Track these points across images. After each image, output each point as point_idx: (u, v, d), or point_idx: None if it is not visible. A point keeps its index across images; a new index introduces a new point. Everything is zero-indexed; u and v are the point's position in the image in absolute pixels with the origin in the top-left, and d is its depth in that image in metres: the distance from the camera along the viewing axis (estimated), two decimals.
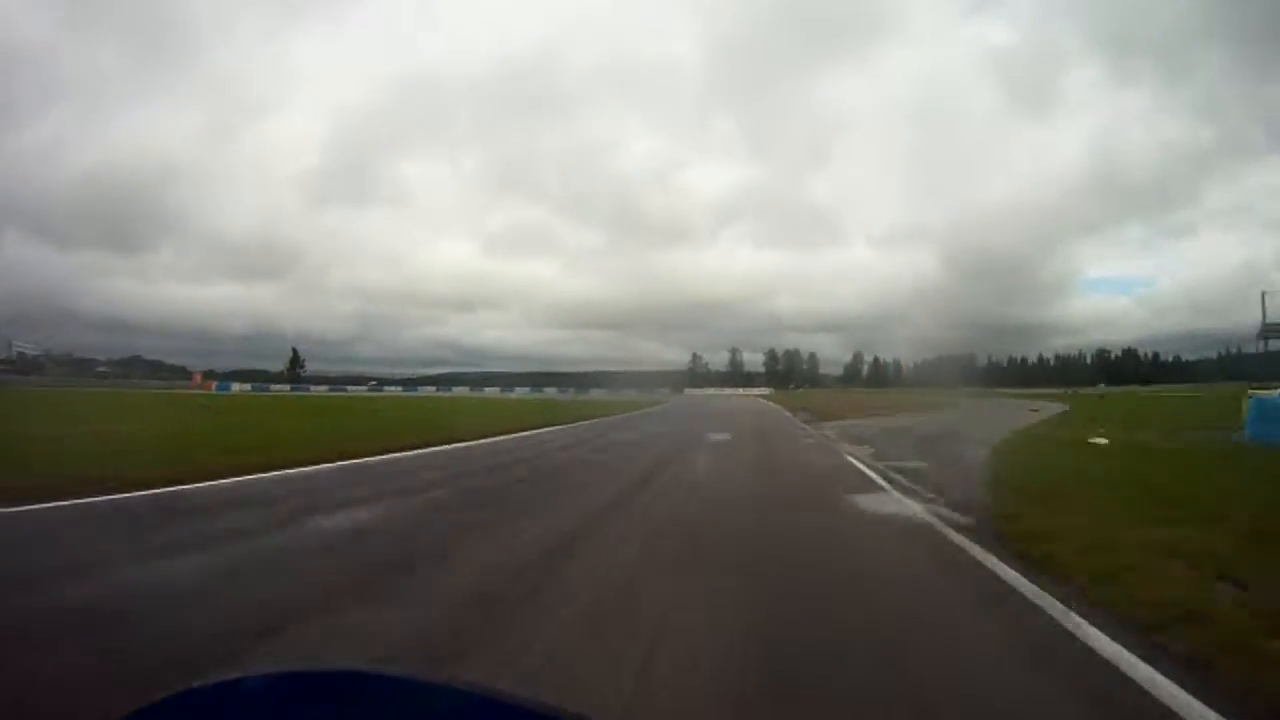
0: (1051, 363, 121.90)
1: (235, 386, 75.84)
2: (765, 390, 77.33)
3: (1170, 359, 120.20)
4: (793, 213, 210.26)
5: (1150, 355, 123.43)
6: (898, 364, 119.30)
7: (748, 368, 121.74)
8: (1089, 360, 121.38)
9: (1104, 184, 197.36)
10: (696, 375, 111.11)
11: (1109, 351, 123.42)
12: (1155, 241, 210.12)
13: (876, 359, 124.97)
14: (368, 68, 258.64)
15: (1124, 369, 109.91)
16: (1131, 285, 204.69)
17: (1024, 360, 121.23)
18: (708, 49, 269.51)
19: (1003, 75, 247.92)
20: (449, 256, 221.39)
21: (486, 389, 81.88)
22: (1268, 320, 29.47)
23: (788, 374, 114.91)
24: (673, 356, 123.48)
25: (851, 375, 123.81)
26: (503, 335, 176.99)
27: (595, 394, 68.82)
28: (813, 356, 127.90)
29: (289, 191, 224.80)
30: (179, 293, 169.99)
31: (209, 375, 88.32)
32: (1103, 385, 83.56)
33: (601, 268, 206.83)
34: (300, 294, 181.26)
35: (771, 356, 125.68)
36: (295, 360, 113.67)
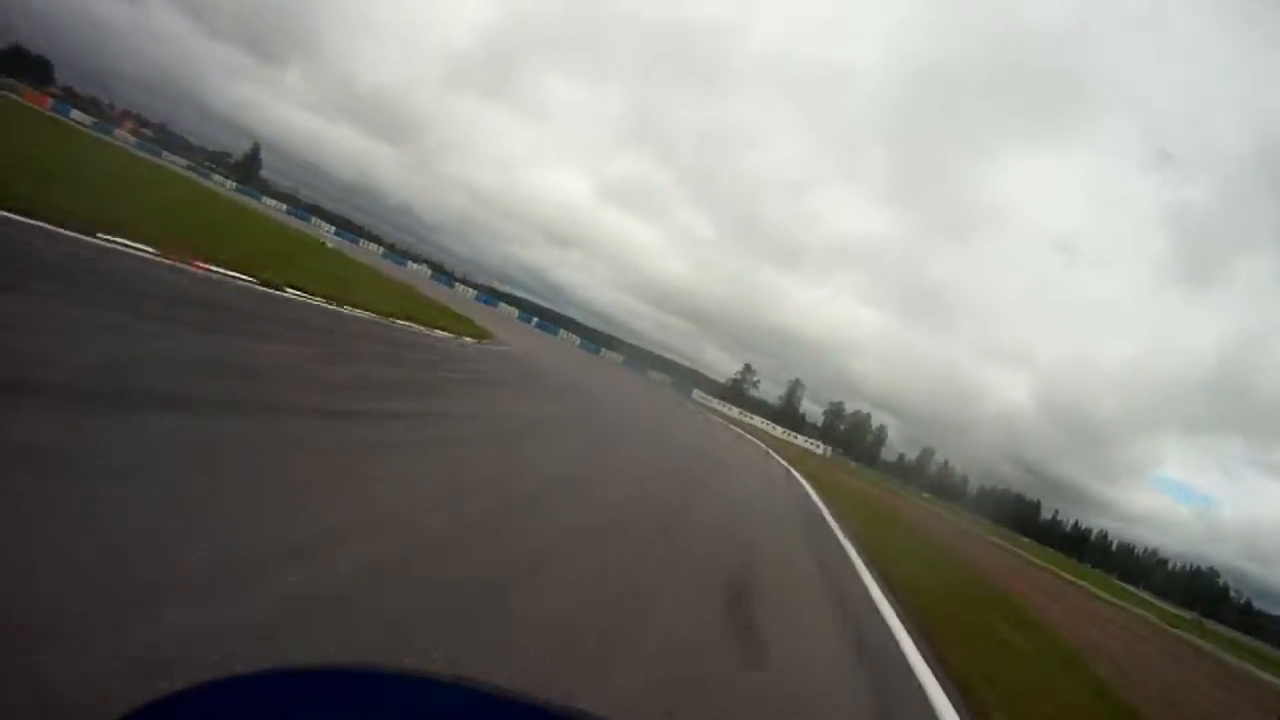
0: (1111, 545, 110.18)
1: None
2: (816, 445, 59.38)
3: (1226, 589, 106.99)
4: (908, 282, 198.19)
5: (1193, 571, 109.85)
6: (965, 480, 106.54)
7: (806, 414, 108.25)
8: (1144, 556, 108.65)
9: (1227, 387, 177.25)
10: (740, 393, 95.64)
11: (1168, 561, 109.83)
12: (1242, 468, 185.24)
13: (946, 463, 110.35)
14: None
15: (1198, 591, 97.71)
16: (1195, 497, 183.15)
17: (1078, 527, 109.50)
18: (891, 77, 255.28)
19: (1171, 230, 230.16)
20: (561, 185, 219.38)
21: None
22: None
23: (847, 438, 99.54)
24: (730, 369, 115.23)
25: (911, 470, 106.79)
26: (584, 283, 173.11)
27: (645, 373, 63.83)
28: (882, 430, 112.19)
29: (433, 62, 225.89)
30: (294, 115, 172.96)
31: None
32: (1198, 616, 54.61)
33: (700, 257, 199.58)
34: (411, 165, 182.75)
35: (835, 412, 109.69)
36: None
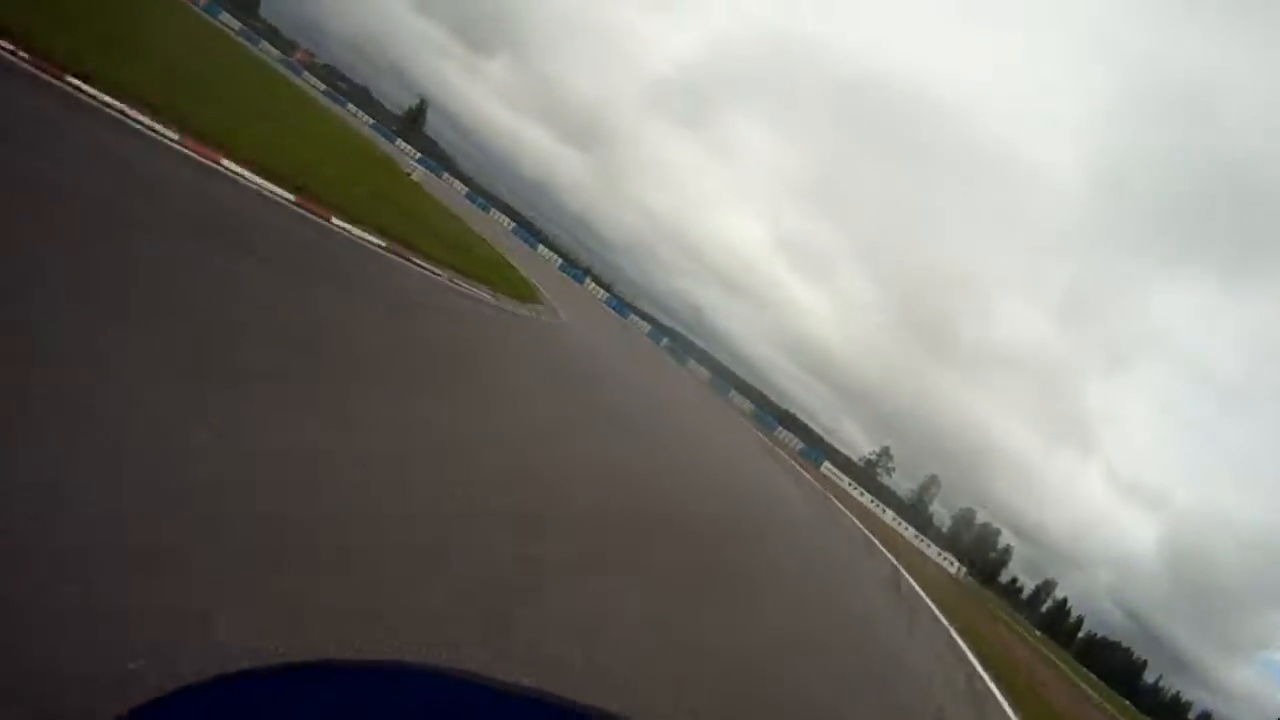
0: None
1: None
2: (950, 561, 47.53)
3: None
4: (1060, 398, 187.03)
5: None
6: (1079, 623, 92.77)
7: (935, 514, 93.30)
8: None
9: None
10: (871, 476, 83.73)
11: None
12: None
13: (1065, 602, 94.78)
14: (762, 10, 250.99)
15: None
16: None
17: (1179, 700, 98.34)
18: (1080, 185, 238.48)
19: None
20: (736, 228, 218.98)
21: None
22: None
23: (969, 549, 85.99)
24: (862, 446, 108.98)
25: (1027, 601, 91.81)
26: (738, 329, 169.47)
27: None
28: (1007, 550, 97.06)
29: (632, 80, 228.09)
30: (488, 104, 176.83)
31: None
32: None
33: (857, 327, 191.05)
34: (592, 175, 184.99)
35: (965, 520, 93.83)
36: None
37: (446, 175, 52.92)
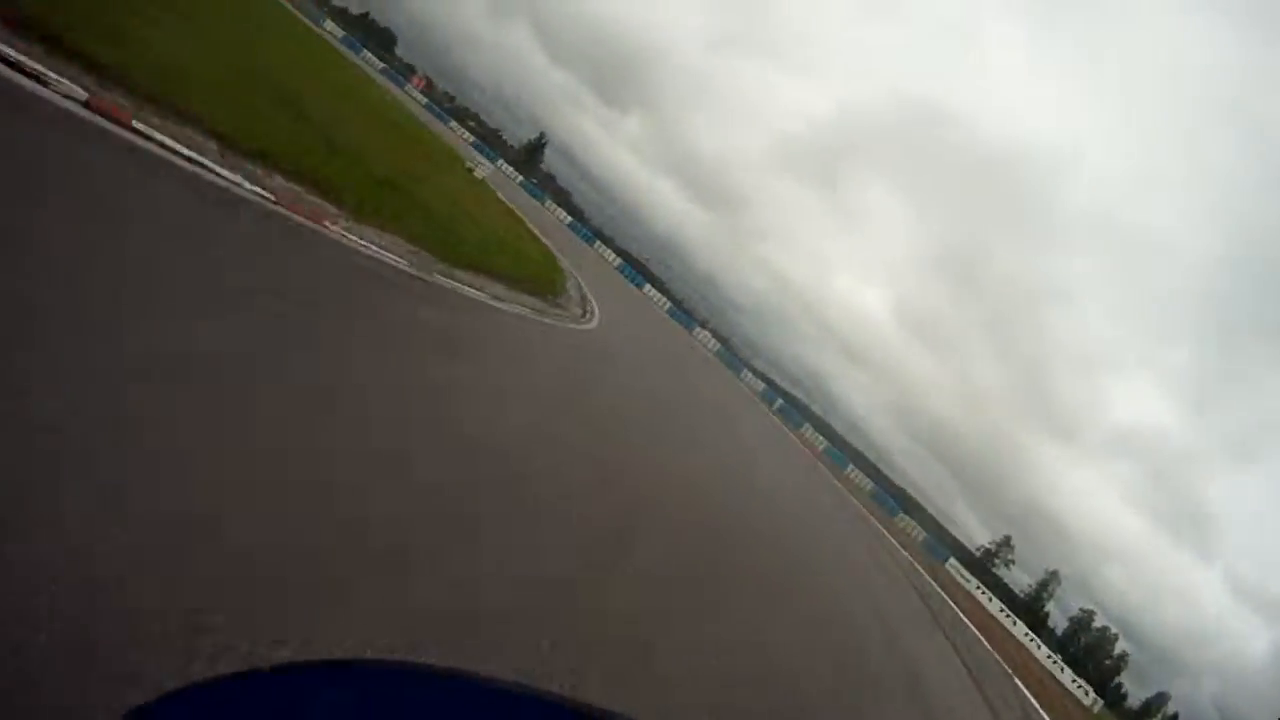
0: None
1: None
2: (1084, 689, 37.62)
3: None
4: (1180, 491, 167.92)
5: None
6: None
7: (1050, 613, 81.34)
8: None
9: None
10: (987, 569, 75.60)
11: None
12: None
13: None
14: (897, 74, 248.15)
15: None
16: None
17: None
18: (1214, 267, 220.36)
19: None
20: (856, 291, 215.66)
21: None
22: None
23: (1083, 655, 76.12)
24: (975, 532, 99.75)
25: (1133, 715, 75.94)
26: (862, 402, 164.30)
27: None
28: (1123, 657, 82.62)
29: (764, 140, 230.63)
30: (620, 156, 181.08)
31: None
32: None
33: (976, 404, 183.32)
34: (721, 237, 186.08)
35: (1082, 622, 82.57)
36: None
37: (550, 204, 50.90)
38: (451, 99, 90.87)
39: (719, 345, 46.29)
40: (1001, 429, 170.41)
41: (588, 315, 14.52)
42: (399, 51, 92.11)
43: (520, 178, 50.75)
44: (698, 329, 46.14)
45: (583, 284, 18.75)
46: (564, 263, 19.44)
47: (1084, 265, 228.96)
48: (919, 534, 46.55)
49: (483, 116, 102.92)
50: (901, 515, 45.34)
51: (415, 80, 54.01)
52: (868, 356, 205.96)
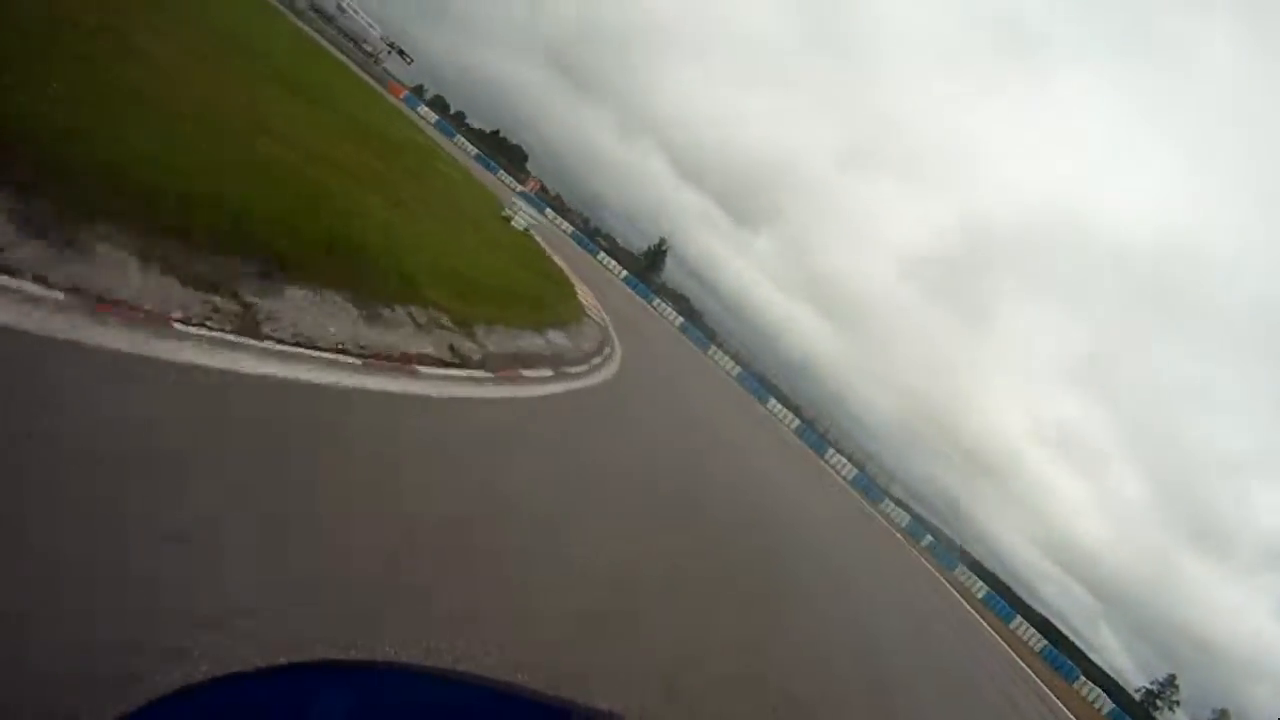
0: None
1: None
2: None
3: None
4: None
5: None
6: None
7: None
8: None
9: None
10: (1147, 714, 63.70)
11: None
12: None
13: None
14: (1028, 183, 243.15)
15: None
16: None
17: None
18: None
19: None
20: (993, 410, 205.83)
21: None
22: None
23: None
24: (1120, 660, 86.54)
25: None
26: (997, 526, 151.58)
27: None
28: None
29: (894, 256, 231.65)
30: (751, 277, 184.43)
31: None
32: None
33: (1123, 524, 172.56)
34: (850, 356, 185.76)
35: None
36: None
37: (659, 302, 50.26)
38: (585, 220, 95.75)
39: (854, 470, 42.45)
40: (1148, 546, 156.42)
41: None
42: (530, 167, 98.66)
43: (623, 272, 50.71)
44: (830, 451, 42.69)
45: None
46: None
47: (1230, 370, 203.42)
48: (1104, 705, 38.71)
49: (616, 237, 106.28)
50: (1081, 679, 38.10)
51: (530, 183, 57.29)
52: (1004, 474, 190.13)
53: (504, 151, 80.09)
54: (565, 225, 53.27)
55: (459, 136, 53.06)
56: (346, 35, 39.41)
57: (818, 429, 44.90)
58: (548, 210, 49.77)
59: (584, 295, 16.09)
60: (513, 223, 16.84)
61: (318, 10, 38.53)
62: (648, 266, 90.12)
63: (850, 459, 42.30)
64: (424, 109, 51.91)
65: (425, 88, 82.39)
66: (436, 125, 48.59)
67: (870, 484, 42.54)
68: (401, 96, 41.78)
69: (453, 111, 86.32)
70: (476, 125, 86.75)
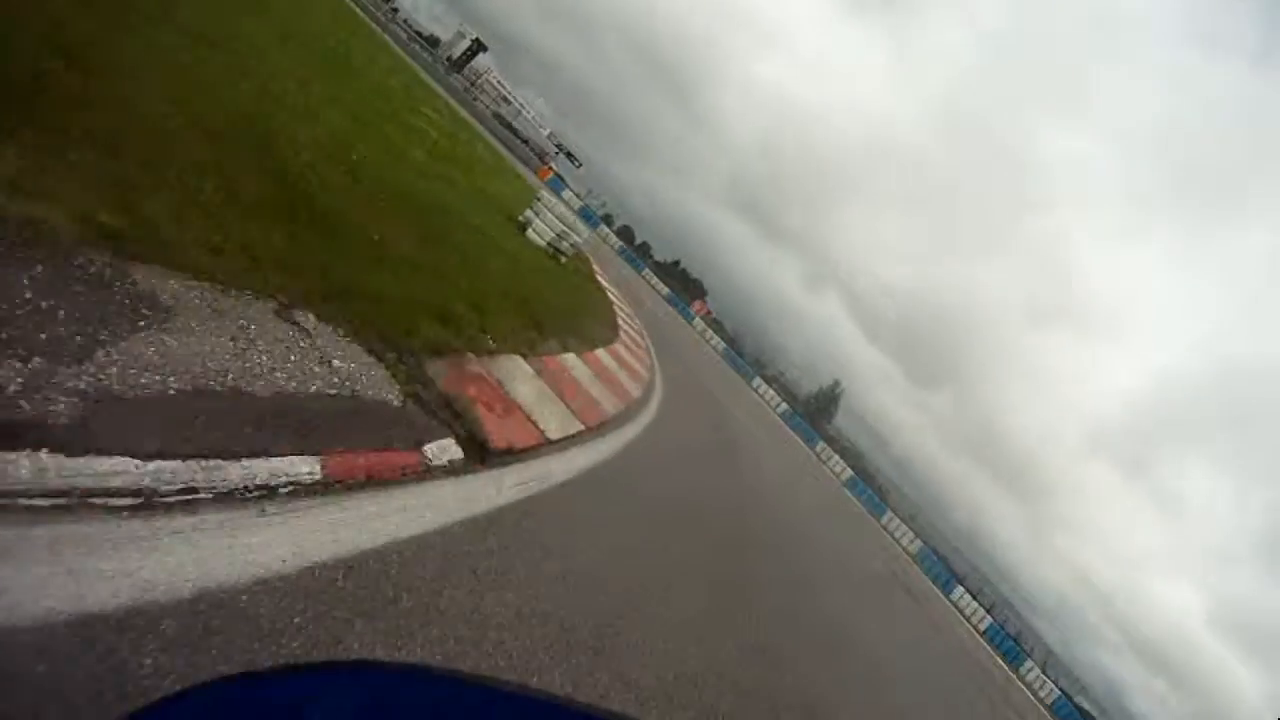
0: None
1: None
2: None
3: None
4: None
5: None
6: None
7: None
8: None
9: None
10: None
11: None
12: None
13: None
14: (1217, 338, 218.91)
15: None
16: None
17: None
18: None
19: None
20: (1168, 595, 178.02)
21: None
22: None
23: None
24: None
25: None
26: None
27: None
28: None
29: (1075, 423, 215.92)
30: (927, 439, 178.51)
31: None
32: None
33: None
34: (1026, 527, 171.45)
35: None
36: None
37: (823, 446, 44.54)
38: (763, 366, 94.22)
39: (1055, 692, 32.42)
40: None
41: None
42: (709, 303, 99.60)
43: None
44: (1028, 664, 33.12)
45: None
46: None
47: None
48: None
49: (784, 378, 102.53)
50: None
51: (697, 306, 56.28)
52: (1176, 667, 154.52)
53: (685, 285, 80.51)
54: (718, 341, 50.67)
55: (646, 269, 53.26)
56: (507, 124, 41.47)
57: (1011, 632, 35.27)
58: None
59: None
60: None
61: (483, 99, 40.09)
62: (817, 410, 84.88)
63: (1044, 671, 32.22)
64: (605, 230, 52.96)
65: (614, 217, 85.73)
66: (620, 253, 49.00)
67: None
68: (547, 179, 43.26)
69: (638, 242, 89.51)
70: (661, 256, 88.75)
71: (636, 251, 64.91)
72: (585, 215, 45.45)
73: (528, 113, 45.50)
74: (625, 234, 78.99)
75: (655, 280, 50.95)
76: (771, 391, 45.80)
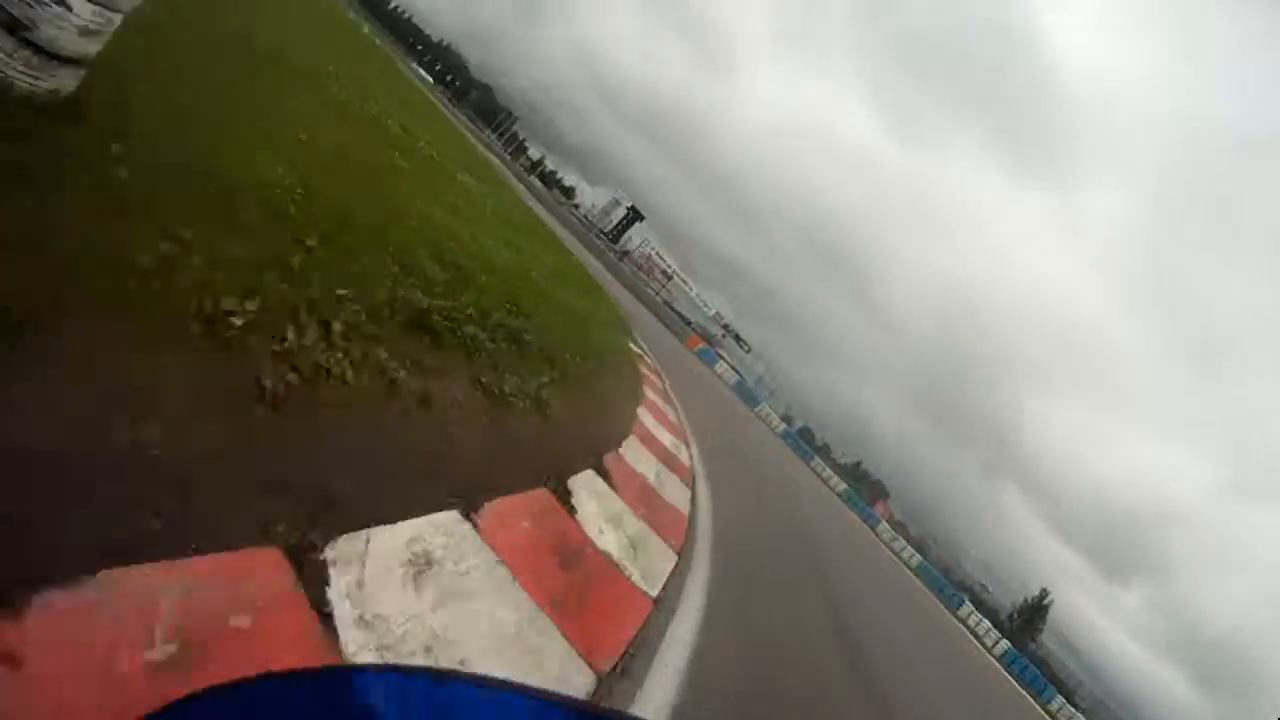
0: None
1: None
2: None
3: None
4: None
5: None
6: None
7: None
8: None
9: None
10: None
11: None
12: None
13: None
14: None
15: None
16: None
17: None
18: None
19: None
20: None
21: None
22: None
23: None
24: None
25: None
26: None
27: None
28: None
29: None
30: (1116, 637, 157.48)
31: None
32: None
33: None
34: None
35: None
36: None
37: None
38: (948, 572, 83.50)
39: None
40: None
41: None
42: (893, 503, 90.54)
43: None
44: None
45: None
46: None
47: None
48: None
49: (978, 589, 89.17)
50: None
51: (880, 508, 50.23)
52: None
53: (866, 485, 73.90)
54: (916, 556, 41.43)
55: (817, 461, 46.76)
56: (666, 303, 39.03)
57: None
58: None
59: None
60: None
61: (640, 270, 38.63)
62: (1021, 626, 70.76)
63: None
64: (768, 412, 47.16)
65: (791, 415, 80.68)
66: (798, 451, 42.35)
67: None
68: (696, 349, 38.89)
69: (818, 443, 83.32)
70: (843, 458, 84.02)
71: (804, 439, 56.87)
72: (743, 390, 40.97)
73: (690, 289, 43.60)
74: (805, 434, 72.07)
75: (828, 472, 43.50)
76: (987, 624, 35.01)
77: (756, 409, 40.13)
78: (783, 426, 44.78)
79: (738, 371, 42.77)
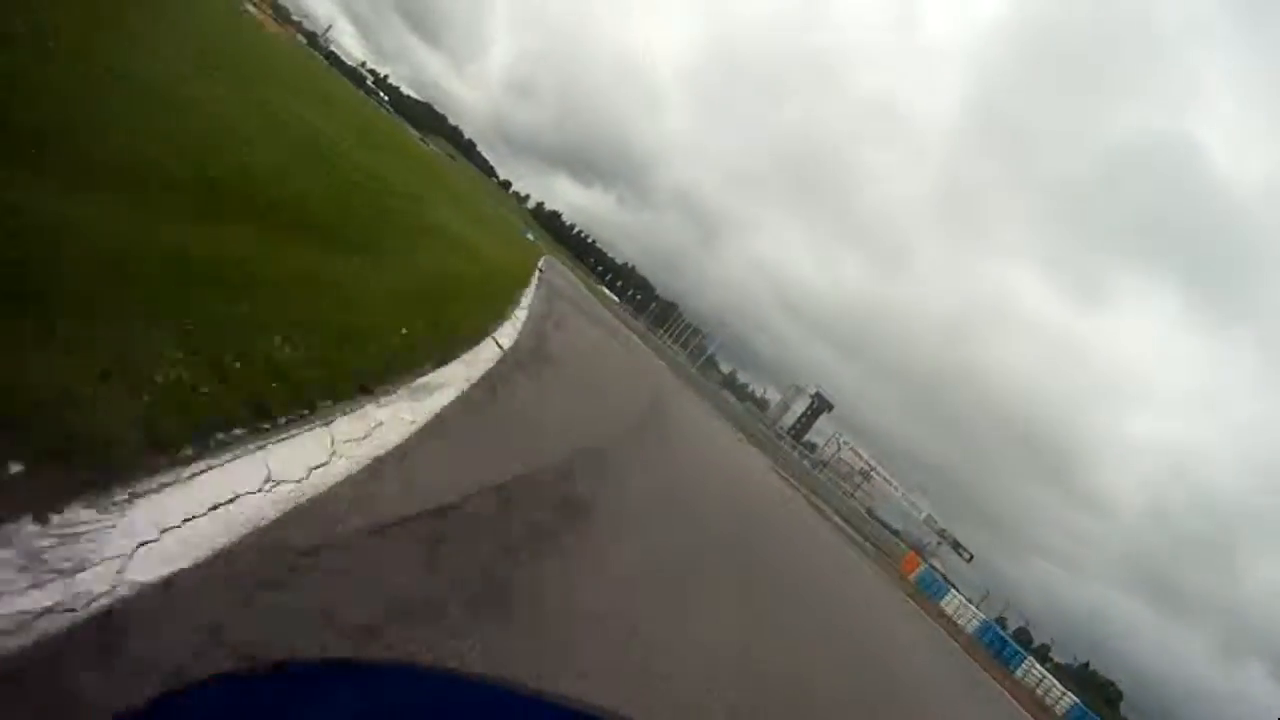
0: None
1: None
2: None
3: None
4: None
5: None
6: None
7: None
8: None
9: None
10: None
11: None
12: None
13: None
14: None
15: None
16: None
17: None
18: None
19: None
20: None
21: None
22: None
23: None
24: None
25: None
26: None
27: None
28: None
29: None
30: None
31: None
32: None
33: None
34: None
35: None
36: None
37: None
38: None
39: None
40: None
41: None
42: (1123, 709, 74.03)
43: None
44: None
45: None
46: None
47: None
48: None
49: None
50: None
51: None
52: None
53: (1096, 691, 67.29)
54: None
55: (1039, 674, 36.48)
56: (867, 509, 31.93)
57: None
58: None
59: None
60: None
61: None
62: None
63: None
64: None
65: (1006, 619, 70.38)
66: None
67: None
68: (914, 574, 30.17)
69: (1034, 645, 71.30)
70: (1065, 660, 73.63)
71: (1022, 645, 48.01)
72: (987, 636, 32.16)
73: (895, 488, 36.61)
74: (1021, 635, 61.37)
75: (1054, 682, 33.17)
76: None
77: (1015, 670, 30.91)
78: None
79: (974, 604, 33.27)
